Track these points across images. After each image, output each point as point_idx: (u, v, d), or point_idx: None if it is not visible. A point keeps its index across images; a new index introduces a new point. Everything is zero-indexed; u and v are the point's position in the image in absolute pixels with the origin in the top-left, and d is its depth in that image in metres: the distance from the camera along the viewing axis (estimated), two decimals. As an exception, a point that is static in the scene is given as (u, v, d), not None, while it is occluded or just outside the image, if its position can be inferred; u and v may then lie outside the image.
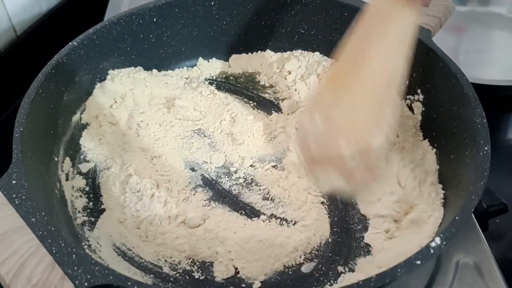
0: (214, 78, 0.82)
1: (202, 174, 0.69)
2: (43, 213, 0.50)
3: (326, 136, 0.54)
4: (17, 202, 0.50)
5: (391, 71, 0.55)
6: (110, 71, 0.75)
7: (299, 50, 0.81)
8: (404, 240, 0.58)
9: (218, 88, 0.80)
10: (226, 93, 0.79)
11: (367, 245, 0.61)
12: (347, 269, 0.59)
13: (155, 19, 0.75)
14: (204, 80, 0.81)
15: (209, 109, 0.76)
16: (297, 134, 0.66)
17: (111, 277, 0.45)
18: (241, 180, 0.68)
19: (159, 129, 0.73)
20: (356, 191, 0.62)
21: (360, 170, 0.53)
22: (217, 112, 0.76)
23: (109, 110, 0.74)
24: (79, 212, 0.64)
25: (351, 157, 0.52)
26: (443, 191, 0.61)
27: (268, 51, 0.83)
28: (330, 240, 0.62)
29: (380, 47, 0.55)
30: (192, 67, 0.82)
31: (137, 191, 0.65)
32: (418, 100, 0.70)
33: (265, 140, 0.72)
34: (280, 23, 0.80)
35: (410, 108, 0.71)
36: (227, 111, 0.75)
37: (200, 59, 0.82)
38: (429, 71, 0.67)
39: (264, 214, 0.64)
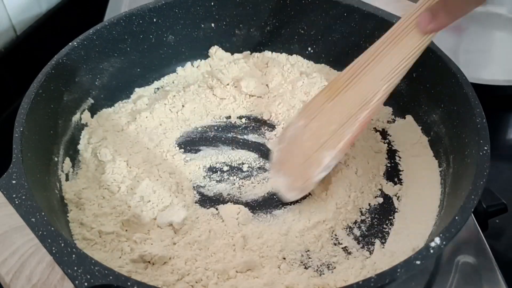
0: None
1: (205, 176, 0.69)
2: (43, 213, 0.50)
3: (298, 145, 0.61)
4: (17, 202, 0.50)
5: (374, 93, 0.58)
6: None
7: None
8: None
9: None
10: (226, 94, 0.79)
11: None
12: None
13: (155, 20, 0.75)
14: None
15: (208, 110, 0.76)
16: (281, 133, 0.69)
17: (111, 277, 0.45)
18: (241, 182, 0.68)
19: (159, 129, 0.73)
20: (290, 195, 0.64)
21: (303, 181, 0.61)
22: (217, 112, 0.76)
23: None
24: (79, 212, 0.64)
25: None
26: None
27: (267, 51, 0.83)
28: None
29: (378, 68, 0.57)
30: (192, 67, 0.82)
31: (140, 194, 0.65)
32: (418, 100, 0.70)
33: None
34: (280, 24, 0.80)
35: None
36: (227, 111, 0.76)
37: (200, 59, 0.83)
38: (429, 71, 0.67)
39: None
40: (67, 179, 0.66)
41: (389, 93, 0.59)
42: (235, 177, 0.68)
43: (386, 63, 0.57)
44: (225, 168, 0.69)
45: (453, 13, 0.53)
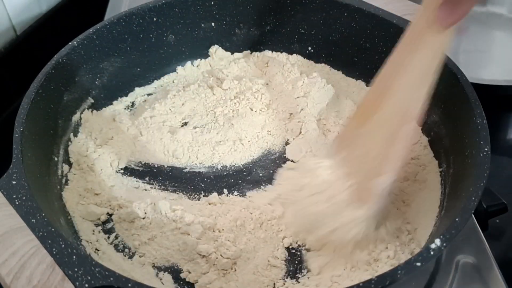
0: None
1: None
2: (43, 214, 0.50)
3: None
4: (17, 203, 0.51)
5: (412, 102, 0.54)
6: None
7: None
8: None
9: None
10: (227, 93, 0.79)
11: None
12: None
13: (155, 19, 0.75)
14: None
15: (208, 109, 0.76)
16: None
17: (111, 279, 0.45)
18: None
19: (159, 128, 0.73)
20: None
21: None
22: (216, 113, 0.76)
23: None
24: (79, 212, 0.65)
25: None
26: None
27: (267, 50, 0.83)
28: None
29: (406, 77, 0.53)
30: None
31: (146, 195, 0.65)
32: (418, 100, 0.70)
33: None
34: (280, 23, 0.80)
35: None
36: (226, 112, 0.75)
37: (200, 59, 0.82)
38: (429, 71, 0.67)
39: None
40: (67, 179, 0.66)
41: (427, 97, 0.54)
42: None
43: (413, 70, 0.53)
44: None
45: None
